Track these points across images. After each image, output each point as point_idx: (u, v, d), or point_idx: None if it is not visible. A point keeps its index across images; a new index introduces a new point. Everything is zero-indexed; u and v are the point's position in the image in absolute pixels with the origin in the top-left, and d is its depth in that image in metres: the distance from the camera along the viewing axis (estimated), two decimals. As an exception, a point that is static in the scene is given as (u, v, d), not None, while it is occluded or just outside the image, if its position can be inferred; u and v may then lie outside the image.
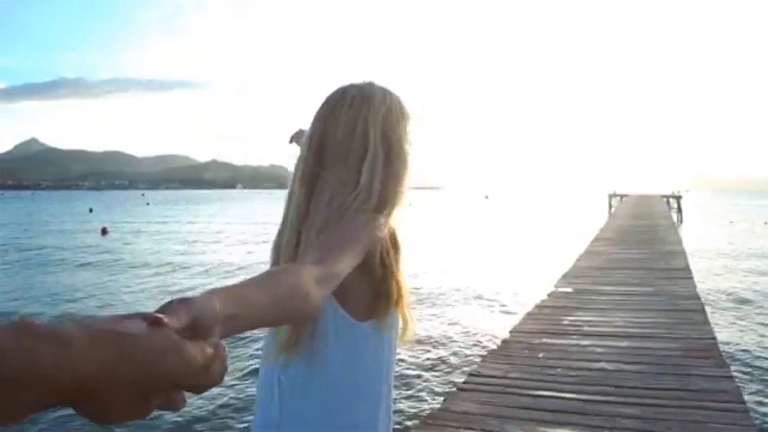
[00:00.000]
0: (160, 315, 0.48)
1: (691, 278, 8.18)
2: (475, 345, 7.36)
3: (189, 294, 0.57)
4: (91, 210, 54.72)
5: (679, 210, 36.42)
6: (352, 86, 1.13)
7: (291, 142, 1.42)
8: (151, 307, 0.53)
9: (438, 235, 20.60)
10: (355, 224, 0.98)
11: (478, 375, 4.34)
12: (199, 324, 0.52)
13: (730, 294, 10.51)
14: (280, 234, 1.12)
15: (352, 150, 1.07)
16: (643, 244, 12.17)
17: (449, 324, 8.50)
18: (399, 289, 1.10)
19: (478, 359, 5.83)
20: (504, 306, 9.73)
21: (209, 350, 0.50)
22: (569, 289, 7.57)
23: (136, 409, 0.46)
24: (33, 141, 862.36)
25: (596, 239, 13.58)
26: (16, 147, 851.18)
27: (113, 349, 0.44)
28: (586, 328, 5.58)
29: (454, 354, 7.00)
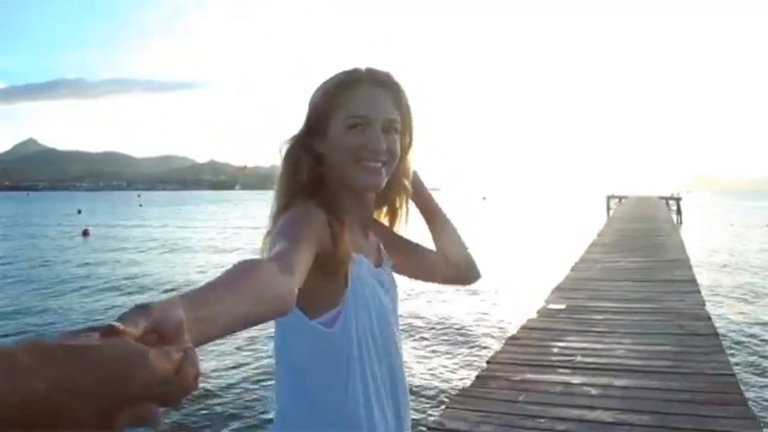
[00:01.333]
0: (115, 324, 0.45)
1: (699, 292, 7.28)
2: (444, 382, 6.38)
3: (147, 301, 0.51)
4: (79, 211, 54.15)
5: (679, 212, 35.67)
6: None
7: None
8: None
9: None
10: (293, 217, 0.97)
11: (439, 429, 3.44)
12: (163, 330, 0.49)
13: (742, 314, 9.46)
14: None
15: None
16: (643, 251, 11.25)
17: (418, 358, 7.25)
18: (343, 257, 1.01)
19: (442, 404, 4.89)
20: (486, 327, 8.69)
21: (177, 354, 0.46)
22: (561, 306, 6.66)
23: (103, 430, 0.42)
24: (31, 141, 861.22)
25: (593, 245, 12.64)
26: (15, 147, 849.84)
27: (67, 363, 0.40)
28: (578, 359, 4.68)
29: (419, 395, 5.88)
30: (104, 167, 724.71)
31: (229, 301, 0.62)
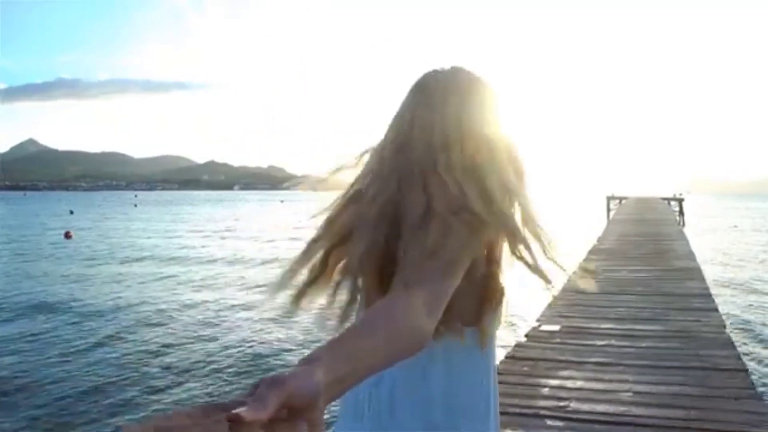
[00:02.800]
0: (241, 412, 0.44)
1: (717, 310, 6.28)
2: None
3: (284, 372, 0.50)
4: (71, 212, 53.25)
5: (681, 213, 34.71)
6: (443, 72, 1.06)
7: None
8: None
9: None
10: (458, 235, 0.89)
11: None
12: (296, 404, 0.49)
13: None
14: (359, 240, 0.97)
15: (447, 146, 0.98)
16: (648, 259, 10.22)
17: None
18: (500, 290, 1.04)
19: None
20: None
21: None
22: (555, 328, 5.66)
23: None
24: (30, 142, 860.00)
25: (592, 251, 11.60)
26: (14, 148, 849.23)
27: None
28: (572, 407, 3.68)
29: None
30: (103, 167, 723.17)
31: (373, 352, 0.63)
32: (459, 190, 0.92)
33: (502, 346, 6.35)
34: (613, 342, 5.14)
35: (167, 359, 7.40)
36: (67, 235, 26.90)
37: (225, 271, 14.95)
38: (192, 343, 8.11)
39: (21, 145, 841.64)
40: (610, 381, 4.14)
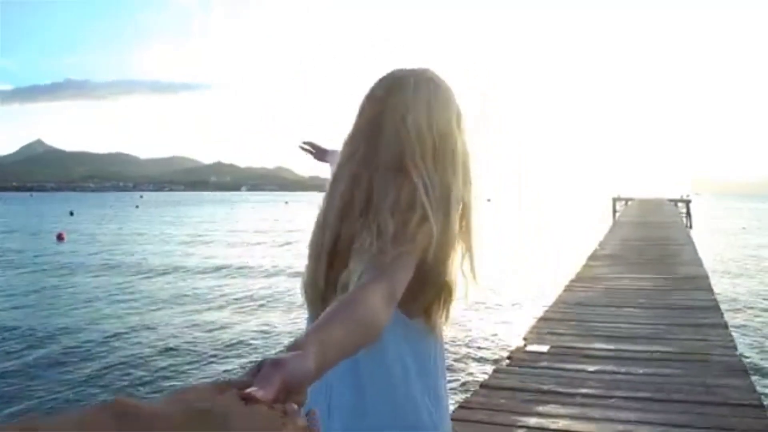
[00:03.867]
0: (253, 391, 0.48)
1: (725, 326, 5.59)
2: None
3: (282, 355, 0.55)
4: (71, 213, 52.82)
5: (688, 215, 33.93)
6: (413, 69, 1.08)
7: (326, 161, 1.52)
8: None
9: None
10: (410, 232, 0.94)
11: None
12: (293, 387, 0.53)
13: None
14: (322, 230, 1.07)
15: (412, 145, 1.01)
16: (652, 266, 9.50)
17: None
18: (450, 289, 1.07)
19: None
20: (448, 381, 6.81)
21: (301, 423, 0.50)
22: (543, 349, 4.99)
23: None
24: (38, 143, 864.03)
25: (593, 257, 10.87)
26: (22, 149, 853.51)
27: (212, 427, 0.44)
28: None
29: None
30: (110, 168, 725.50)
31: (344, 340, 0.68)
32: (423, 188, 0.98)
33: (481, 372, 5.73)
34: (607, 367, 4.47)
35: (122, 380, 6.78)
36: (60, 237, 26.42)
37: (205, 283, 13.69)
38: (146, 364, 7.48)
39: (28, 146, 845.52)
40: (599, 420, 3.48)
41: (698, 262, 9.73)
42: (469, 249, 1.08)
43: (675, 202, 40.40)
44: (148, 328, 8.87)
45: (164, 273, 15.00)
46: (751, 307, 9.53)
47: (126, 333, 8.59)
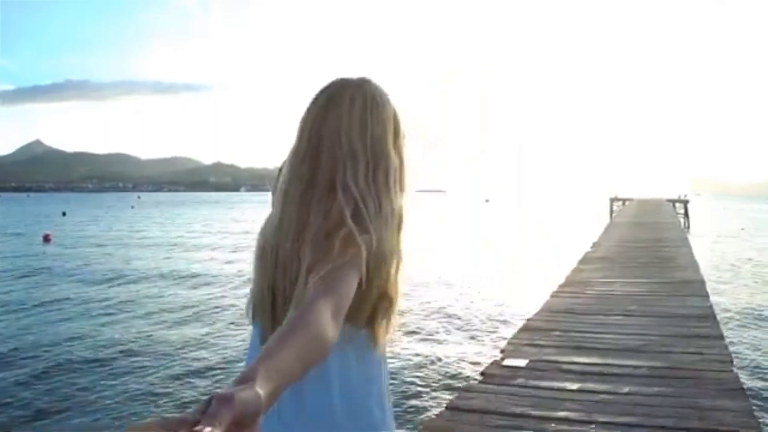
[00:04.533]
0: (200, 429, 0.47)
1: (722, 337, 5.14)
2: None
3: (229, 389, 0.54)
4: (64, 213, 52.46)
5: (686, 215, 33.56)
6: (351, 81, 1.10)
7: None
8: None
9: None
10: (351, 245, 0.96)
11: None
12: (244, 419, 0.52)
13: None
14: (274, 240, 1.08)
15: (349, 155, 1.04)
16: (646, 269, 9.03)
17: None
18: (390, 300, 1.09)
19: None
20: (416, 394, 5.83)
21: None
22: (521, 363, 4.54)
23: None
24: (37, 143, 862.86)
25: (584, 260, 10.40)
26: (21, 149, 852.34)
27: None
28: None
29: None
30: (110, 168, 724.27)
31: (294, 364, 0.67)
32: (354, 206, 1.01)
33: (451, 388, 5.27)
34: (589, 385, 4.02)
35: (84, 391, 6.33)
36: (46, 239, 25.99)
37: (171, 291, 12.66)
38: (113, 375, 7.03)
39: (27, 147, 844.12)
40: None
41: (694, 266, 9.27)
42: (400, 261, 1.09)
43: (673, 202, 40.00)
44: (101, 337, 8.39)
45: (134, 280, 14.18)
46: (749, 316, 8.96)
47: (77, 339, 8.13)
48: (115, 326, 9.15)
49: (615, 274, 8.63)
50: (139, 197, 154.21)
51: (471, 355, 6.25)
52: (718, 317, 6.00)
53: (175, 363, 7.12)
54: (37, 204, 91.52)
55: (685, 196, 44.16)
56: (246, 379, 0.57)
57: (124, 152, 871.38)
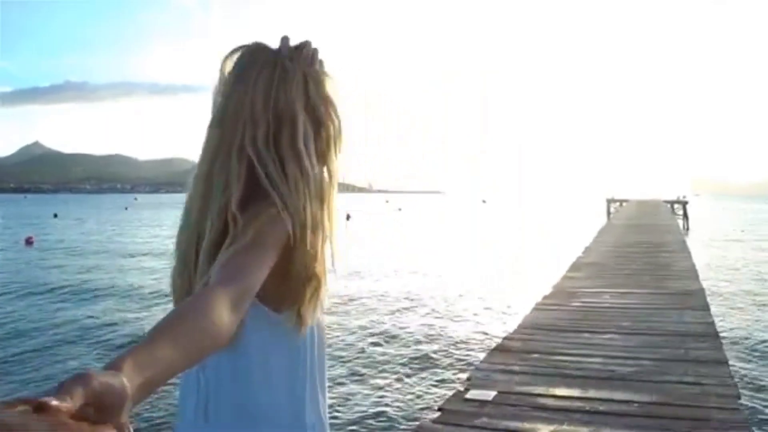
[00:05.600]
0: (45, 399, 0.43)
1: (726, 363, 4.43)
2: None
3: (90, 369, 0.49)
4: (55, 215, 51.73)
5: (685, 216, 32.93)
6: (258, 47, 1.04)
7: None
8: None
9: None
10: (262, 225, 0.89)
11: None
12: (104, 404, 0.48)
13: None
14: (182, 230, 1.03)
15: (249, 120, 0.98)
16: (641, 279, 8.29)
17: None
18: (318, 280, 1.00)
19: None
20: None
21: None
22: (488, 395, 3.83)
23: None
24: (35, 144, 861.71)
25: (574, 267, 9.64)
26: (20, 150, 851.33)
27: None
28: None
29: None
30: (108, 169, 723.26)
31: (176, 355, 0.62)
32: (253, 165, 0.94)
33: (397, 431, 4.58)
34: (567, 427, 3.32)
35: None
36: (28, 241, 25.30)
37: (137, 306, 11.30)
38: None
39: (26, 148, 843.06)
40: None
41: (693, 274, 8.55)
42: (329, 235, 1.00)
43: (671, 203, 39.33)
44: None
45: (100, 289, 13.23)
46: (755, 333, 7.88)
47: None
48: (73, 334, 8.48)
49: (606, 283, 7.91)
50: (135, 199, 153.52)
51: (432, 383, 5.50)
52: (721, 334, 5.28)
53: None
54: (33, 205, 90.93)
55: (684, 197, 43.52)
56: (112, 367, 0.53)
57: (123, 153, 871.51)
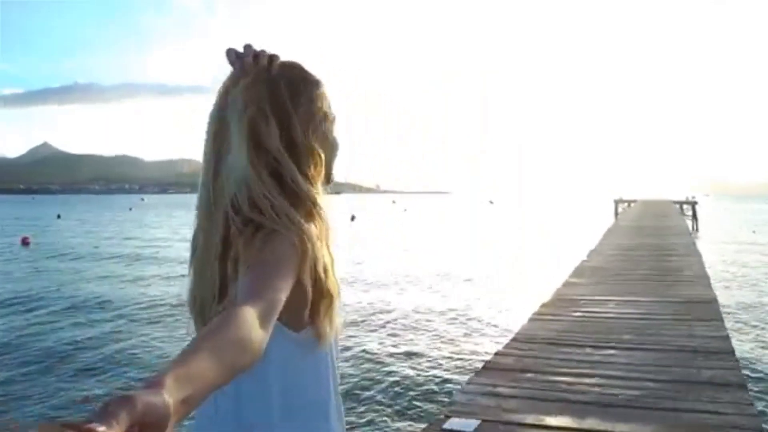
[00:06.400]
0: (92, 425, 0.44)
1: (744, 387, 3.90)
2: None
3: (132, 391, 0.50)
4: (59, 216, 51.58)
5: (695, 217, 32.23)
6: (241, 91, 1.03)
7: None
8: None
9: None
10: (283, 241, 0.90)
11: None
12: (148, 424, 0.49)
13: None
14: (195, 236, 1.03)
15: (252, 137, 0.97)
16: (648, 286, 7.72)
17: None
18: (329, 297, 1.01)
19: None
20: None
21: None
22: (470, 426, 3.32)
23: None
24: (44, 145, 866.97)
25: (577, 272, 9.07)
26: (29, 151, 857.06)
27: None
28: None
29: None
30: (116, 170, 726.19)
31: (213, 372, 0.62)
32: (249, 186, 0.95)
33: None
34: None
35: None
36: (24, 242, 25.07)
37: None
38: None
39: (35, 149, 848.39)
40: None
41: (704, 281, 7.99)
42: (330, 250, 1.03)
43: (680, 204, 38.61)
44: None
45: (95, 307, 12.67)
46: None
47: None
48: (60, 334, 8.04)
49: (610, 290, 7.36)
50: (142, 199, 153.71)
51: (412, 409, 4.97)
52: (737, 351, 4.74)
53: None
54: (39, 206, 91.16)
55: (693, 197, 42.77)
56: (153, 385, 0.53)
57: (130, 154, 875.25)
